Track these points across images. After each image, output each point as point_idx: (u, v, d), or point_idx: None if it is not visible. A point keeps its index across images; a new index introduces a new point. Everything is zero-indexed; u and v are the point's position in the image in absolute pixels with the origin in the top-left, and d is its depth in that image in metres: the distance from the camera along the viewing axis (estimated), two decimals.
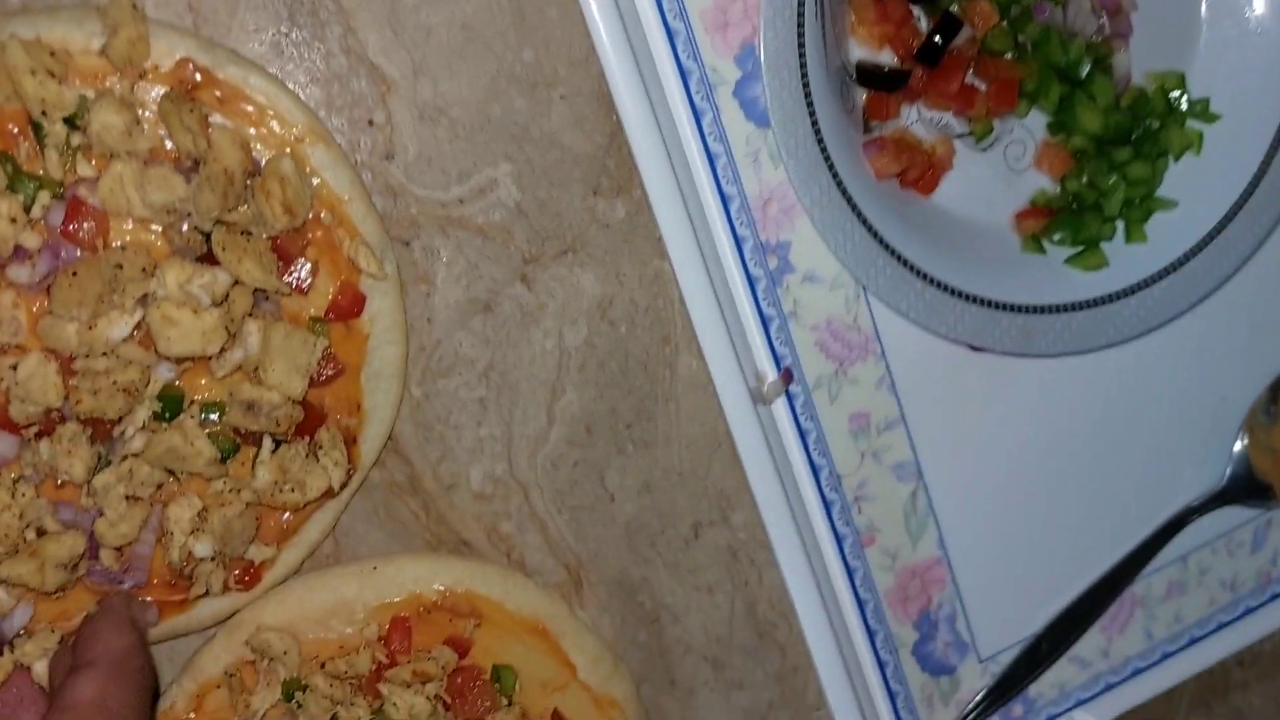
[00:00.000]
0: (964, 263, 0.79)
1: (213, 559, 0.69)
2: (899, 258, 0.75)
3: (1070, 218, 0.81)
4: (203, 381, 0.68)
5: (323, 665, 0.71)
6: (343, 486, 0.71)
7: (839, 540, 0.84)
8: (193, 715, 0.70)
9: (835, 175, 0.74)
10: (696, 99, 0.73)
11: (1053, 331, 0.79)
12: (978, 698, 0.89)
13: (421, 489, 0.76)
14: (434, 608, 0.73)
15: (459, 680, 0.72)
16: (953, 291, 0.77)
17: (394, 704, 0.69)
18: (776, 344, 0.80)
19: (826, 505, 0.83)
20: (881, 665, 0.87)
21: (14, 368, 0.63)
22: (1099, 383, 0.86)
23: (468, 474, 0.77)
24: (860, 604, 0.86)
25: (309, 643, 0.71)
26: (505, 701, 0.73)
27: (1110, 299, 0.80)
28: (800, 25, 0.70)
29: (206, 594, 0.70)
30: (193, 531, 0.68)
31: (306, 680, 0.70)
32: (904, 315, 0.77)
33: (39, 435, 0.65)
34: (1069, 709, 0.92)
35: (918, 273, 0.76)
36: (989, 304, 0.78)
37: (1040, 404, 0.85)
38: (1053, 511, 0.88)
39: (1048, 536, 0.88)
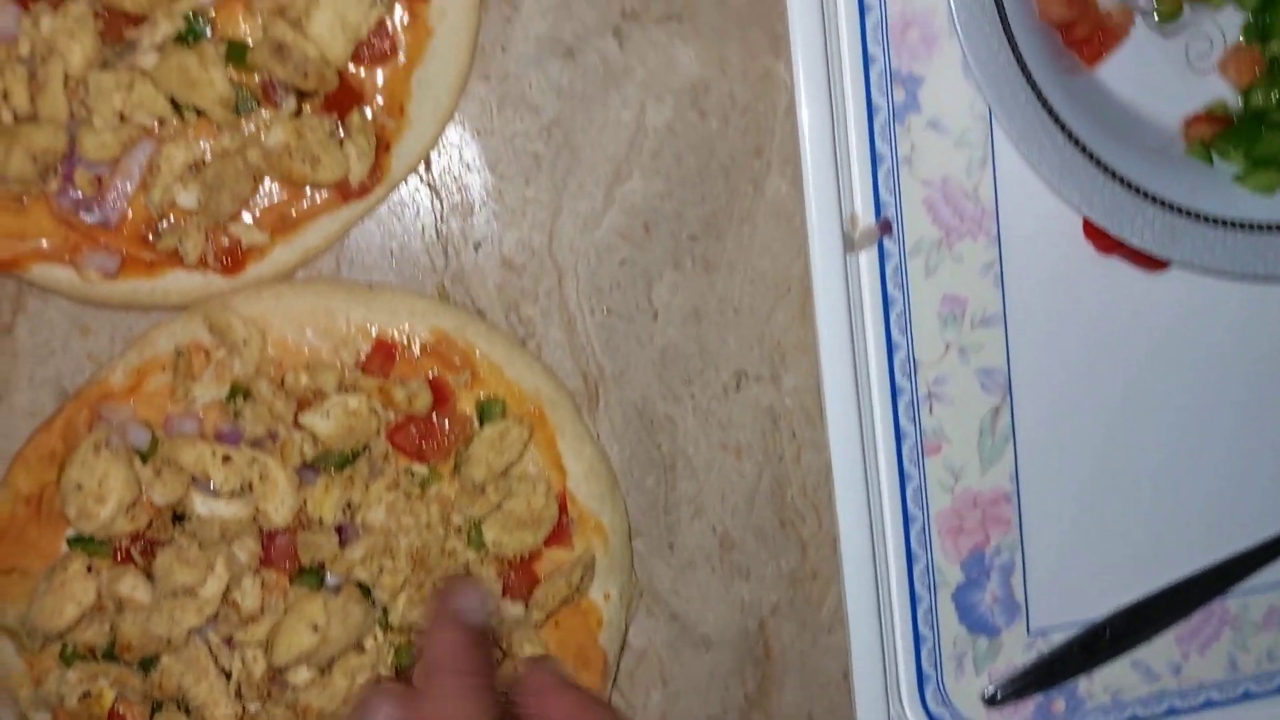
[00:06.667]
0: (1117, 143, 0.68)
1: (195, 217, 0.60)
2: (1043, 102, 0.65)
3: (1247, 129, 0.70)
4: (239, 20, 0.60)
5: (282, 380, 0.62)
6: (362, 192, 0.63)
7: (898, 437, 0.72)
8: (128, 391, 0.62)
9: (1000, 8, 0.64)
10: None
11: (1202, 241, 0.68)
12: (1018, 673, 0.75)
13: (446, 235, 0.67)
14: (426, 351, 0.63)
15: (434, 418, 0.62)
16: (1096, 160, 0.66)
17: (325, 413, 0.59)
18: (881, 187, 0.70)
19: (894, 391, 0.72)
20: (914, 599, 0.74)
21: None
22: (1245, 328, 0.73)
23: (501, 235, 0.68)
24: (906, 519, 0.73)
25: (276, 345, 0.62)
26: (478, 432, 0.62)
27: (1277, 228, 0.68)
28: None
29: (179, 263, 0.61)
30: (182, 177, 0.60)
31: (252, 386, 0.61)
32: (1029, 161, 0.66)
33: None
34: None
35: (1059, 124, 0.65)
36: (1134, 188, 0.67)
37: (1168, 340, 0.73)
38: (1156, 479, 0.75)
39: (1142, 509, 0.75)
